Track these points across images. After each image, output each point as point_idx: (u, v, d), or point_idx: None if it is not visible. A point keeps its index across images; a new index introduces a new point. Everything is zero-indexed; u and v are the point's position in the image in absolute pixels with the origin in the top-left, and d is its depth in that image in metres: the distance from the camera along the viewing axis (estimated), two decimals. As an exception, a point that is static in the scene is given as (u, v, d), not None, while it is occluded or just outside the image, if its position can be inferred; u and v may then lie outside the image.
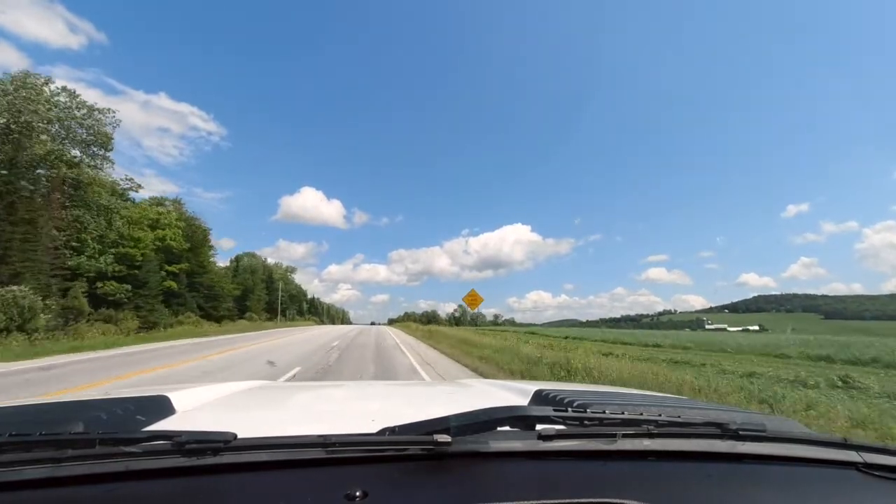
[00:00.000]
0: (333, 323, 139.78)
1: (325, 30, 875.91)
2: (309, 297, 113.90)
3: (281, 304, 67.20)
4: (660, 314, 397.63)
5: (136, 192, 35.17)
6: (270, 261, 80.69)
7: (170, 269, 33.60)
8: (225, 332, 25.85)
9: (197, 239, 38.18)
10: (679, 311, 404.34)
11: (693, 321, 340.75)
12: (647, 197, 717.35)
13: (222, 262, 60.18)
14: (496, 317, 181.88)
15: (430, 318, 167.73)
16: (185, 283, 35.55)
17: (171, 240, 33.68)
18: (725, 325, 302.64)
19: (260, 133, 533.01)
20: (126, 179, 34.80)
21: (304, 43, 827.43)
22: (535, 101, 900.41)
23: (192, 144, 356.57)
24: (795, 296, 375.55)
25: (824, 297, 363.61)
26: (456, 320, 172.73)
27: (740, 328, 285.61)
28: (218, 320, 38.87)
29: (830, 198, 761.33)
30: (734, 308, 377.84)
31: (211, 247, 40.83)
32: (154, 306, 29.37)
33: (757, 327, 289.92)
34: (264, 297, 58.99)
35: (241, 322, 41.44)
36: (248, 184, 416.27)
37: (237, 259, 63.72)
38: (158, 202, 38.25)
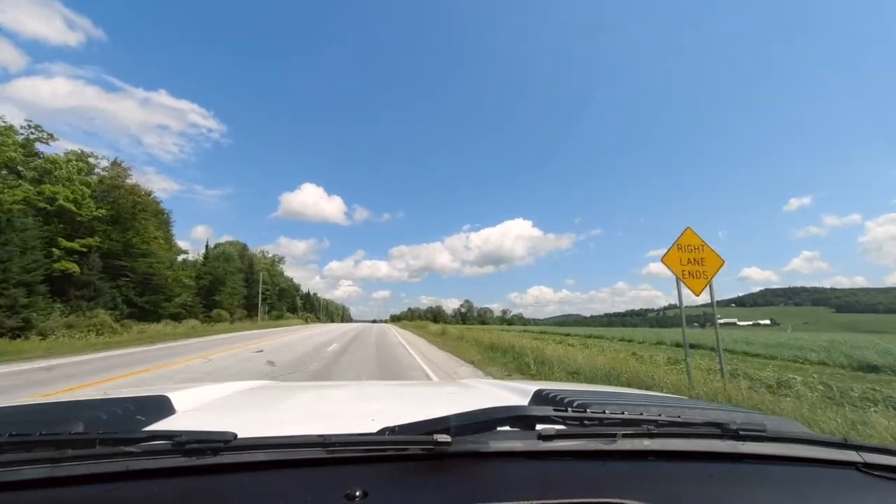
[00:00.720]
0: (332, 320, 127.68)
1: (325, 28, 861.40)
2: (303, 291, 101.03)
3: (263, 298, 55.46)
4: (665, 308, 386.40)
5: (48, 143, 23.83)
6: (256, 249, 68.63)
7: (68, 244, 21.50)
8: (93, 349, 13.89)
9: (125, 207, 26.15)
10: (695, 304, 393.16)
11: (700, 315, 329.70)
12: (649, 191, 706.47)
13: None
14: (504, 312, 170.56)
15: (435, 315, 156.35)
16: (99, 268, 23.49)
17: (67, 201, 21.52)
18: (735, 320, 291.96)
19: (260, 130, 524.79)
20: (31, 127, 23.19)
21: (305, 40, 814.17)
22: (537, 98, 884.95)
23: (192, 142, 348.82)
24: (804, 289, 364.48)
25: (833, 290, 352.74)
26: (462, 316, 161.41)
27: (750, 322, 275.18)
28: (158, 319, 27.00)
29: (833, 191, 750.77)
30: (741, 302, 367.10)
31: (147, 219, 28.71)
32: (17, 298, 17.32)
33: (768, 321, 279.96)
34: (241, 291, 47.35)
35: (189, 323, 29.52)
36: (249, 181, 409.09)
37: (214, 246, 51.91)
38: (80, 156, 26.07)
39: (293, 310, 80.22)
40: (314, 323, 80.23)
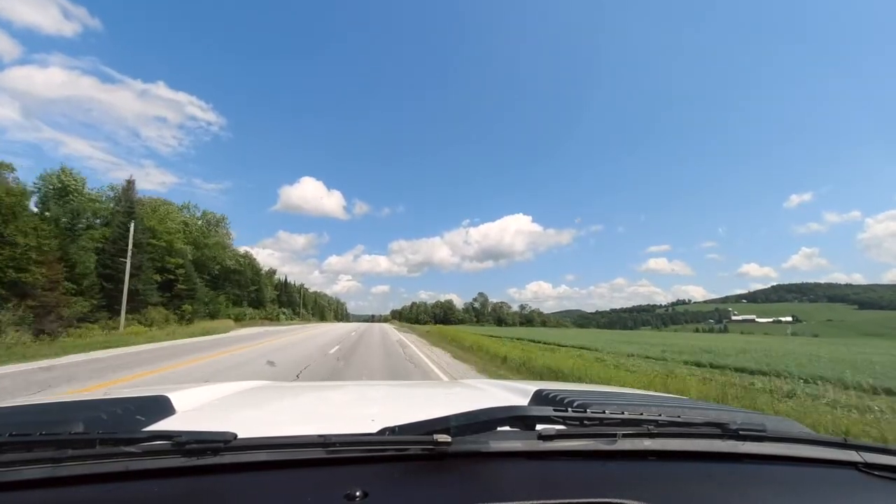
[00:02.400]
0: (324, 318, 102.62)
1: (326, 23, 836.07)
2: (278, 278, 74.74)
3: (170, 281, 29.70)
4: (673, 304, 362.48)
5: None
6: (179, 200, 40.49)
7: None
8: None
9: None
10: (693, 300, 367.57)
11: (712, 311, 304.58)
12: (650, 187, 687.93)
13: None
14: (522, 307, 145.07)
15: (445, 311, 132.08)
16: None
17: None
18: (754, 316, 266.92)
19: (260, 123, 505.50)
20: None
21: (306, 35, 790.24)
22: (538, 93, 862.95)
23: (191, 135, 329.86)
24: (818, 285, 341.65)
25: (849, 286, 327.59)
26: (476, 313, 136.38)
27: (771, 319, 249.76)
28: None
29: (834, 187, 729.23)
30: (752, 298, 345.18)
31: None
32: None
33: (790, 318, 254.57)
34: (86, 262, 21.30)
35: None
36: (248, 174, 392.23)
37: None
38: None
39: (257, 304, 54.10)
40: (289, 323, 53.85)
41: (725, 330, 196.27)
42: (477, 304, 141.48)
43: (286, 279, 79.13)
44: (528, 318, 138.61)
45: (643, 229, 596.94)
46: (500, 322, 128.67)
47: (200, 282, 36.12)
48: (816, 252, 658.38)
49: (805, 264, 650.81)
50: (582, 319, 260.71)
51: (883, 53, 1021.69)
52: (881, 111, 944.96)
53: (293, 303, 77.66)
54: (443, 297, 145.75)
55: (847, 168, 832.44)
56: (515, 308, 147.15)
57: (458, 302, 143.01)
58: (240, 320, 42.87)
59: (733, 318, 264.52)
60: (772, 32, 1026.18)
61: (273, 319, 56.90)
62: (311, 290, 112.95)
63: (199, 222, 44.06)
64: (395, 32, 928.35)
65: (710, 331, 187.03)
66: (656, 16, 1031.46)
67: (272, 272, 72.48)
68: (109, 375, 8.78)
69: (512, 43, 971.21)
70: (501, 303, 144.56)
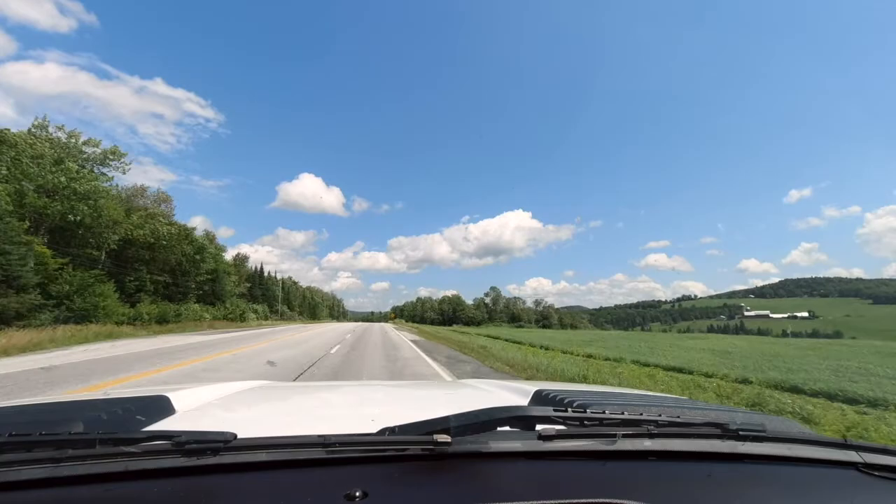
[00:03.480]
0: (316, 318, 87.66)
1: (326, 19, 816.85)
2: (251, 268, 60.41)
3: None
4: (679, 300, 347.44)
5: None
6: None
7: None
8: None
9: None
10: (695, 296, 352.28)
11: (721, 307, 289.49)
12: (650, 183, 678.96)
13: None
14: (537, 303, 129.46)
15: (454, 308, 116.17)
16: None
17: None
18: (768, 312, 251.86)
19: (259, 120, 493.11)
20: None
21: (306, 30, 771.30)
22: (538, 88, 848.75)
23: (189, 131, 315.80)
24: (828, 280, 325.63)
25: (860, 280, 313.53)
26: (488, 310, 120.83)
27: (786, 315, 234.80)
28: None
29: (834, 183, 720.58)
30: (760, 293, 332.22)
31: None
32: None
33: (806, 314, 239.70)
34: None
35: None
36: (247, 171, 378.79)
37: None
38: None
39: (213, 298, 37.74)
40: (259, 326, 39.15)
41: (742, 327, 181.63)
42: (488, 300, 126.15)
43: (261, 268, 63.26)
44: (545, 315, 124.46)
45: (642, 225, 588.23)
46: (515, 320, 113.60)
47: (54, 256, 19.58)
48: (816, 247, 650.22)
49: (805, 259, 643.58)
50: (588, 316, 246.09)
51: (882, 49, 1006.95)
52: (881, 107, 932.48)
53: (268, 297, 61.42)
54: (443, 294, 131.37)
55: (846, 163, 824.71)
56: (529, 304, 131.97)
57: (480, 297, 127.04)
58: (166, 322, 26.84)
59: (746, 314, 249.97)
60: (770, 28, 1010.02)
61: (235, 320, 40.83)
62: (306, 285, 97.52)
63: (51, 150, 21.80)
64: (395, 29, 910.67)
65: (726, 328, 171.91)
66: (656, 11, 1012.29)
67: (242, 258, 57.71)
68: None
69: (511, 40, 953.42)
70: (515, 298, 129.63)
